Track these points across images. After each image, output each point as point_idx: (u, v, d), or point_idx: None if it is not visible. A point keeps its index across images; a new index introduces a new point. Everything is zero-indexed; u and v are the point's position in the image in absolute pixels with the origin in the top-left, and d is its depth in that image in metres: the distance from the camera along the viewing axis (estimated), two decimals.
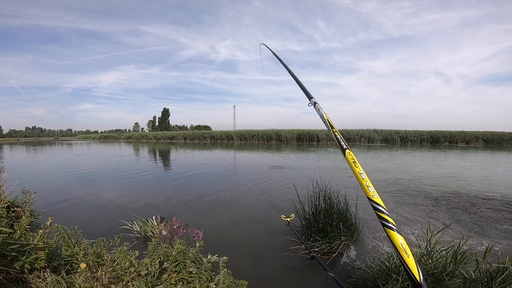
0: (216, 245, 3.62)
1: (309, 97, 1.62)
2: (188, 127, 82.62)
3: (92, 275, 1.45)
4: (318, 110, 1.48)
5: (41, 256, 1.54)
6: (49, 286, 1.33)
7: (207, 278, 1.85)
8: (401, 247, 0.87)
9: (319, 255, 3.43)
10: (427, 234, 2.69)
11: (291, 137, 34.72)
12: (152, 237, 3.85)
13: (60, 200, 6.06)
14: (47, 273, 1.40)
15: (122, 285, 1.42)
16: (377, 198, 1.01)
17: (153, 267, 1.63)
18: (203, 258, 2.00)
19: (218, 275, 1.85)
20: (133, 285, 1.43)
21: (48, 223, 1.83)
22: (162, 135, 46.89)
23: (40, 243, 1.62)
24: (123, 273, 1.55)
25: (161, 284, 1.58)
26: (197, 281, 1.80)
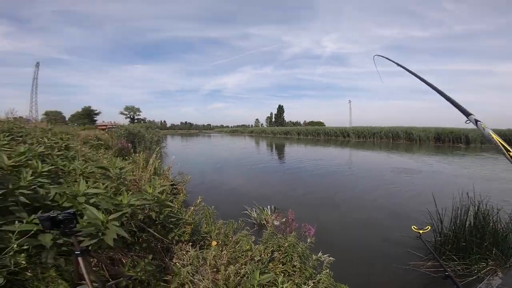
0: (322, 243, 3.58)
1: (467, 113, 1.34)
2: (301, 123, 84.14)
3: (218, 254, 1.76)
4: (483, 129, 1.21)
5: (187, 230, 2.01)
6: (190, 258, 1.71)
7: (307, 276, 1.87)
8: None
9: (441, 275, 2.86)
10: None
11: (426, 137, 28.44)
12: (265, 225, 4.24)
13: (197, 181, 7.58)
14: (188, 247, 1.81)
15: (238, 266, 1.65)
16: None
17: (265, 255, 1.81)
18: (312, 255, 2.03)
19: (319, 274, 1.84)
20: (246, 268, 1.64)
21: (198, 201, 2.35)
22: (278, 130, 49.96)
23: (190, 219, 2.12)
24: (240, 255, 1.81)
25: (268, 272, 1.72)
26: (297, 276, 1.86)
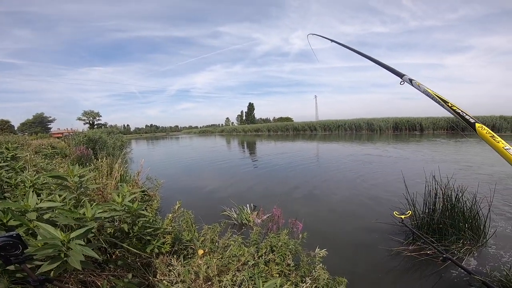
0: (308, 238, 3.57)
1: (400, 75, 1.38)
2: (271, 119, 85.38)
3: (208, 262, 1.58)
4: (418, 87, 1.23)
5: (167, 241, 1.79)
6: (177, 275, 1.50)
7: (303, 274, 1.79)
8: None
9: (427, 258, 3.02)
10: None
11: (386, 126, 30.71)
12: (247, 224, 4.11)
13: (169, 186, 7.15)
14: (173, 260, 1.60)
15: (232, 274, 1.49)
16: None
17: (261, 258, 1.68)
18: (311, 252, 1.95)
19: (315, 271, 1.77)
20: (241, 275, 1.49)
21: (176, 207, 2.11)
22: (249, 128, 50.01)
23: (169, 227, 1.89)
24: (230, 261, 1.65)
25: (266, 276, 1.60)
26: (293, 275, 1.76)
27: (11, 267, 1.15)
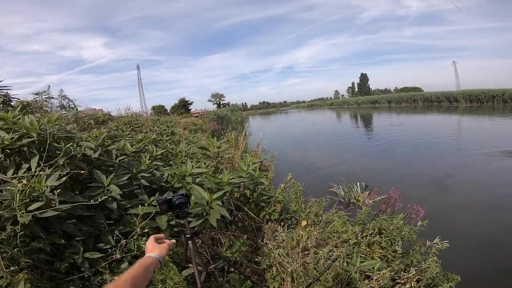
0: (428, 227, 3.12)
1: None
2: (392, 89, 73.29)
3: (309, 234, 1.74)
4: None
5: (277, 209, 2.05)
6: (281, 240, 1.70)
7: (409, 263, 1.67)
8: None
9: None
10: None
11: None
12: (355, 204, 4.00)
13: (280, 158, 7.53)
14: (279, 227, 1.82)
15: (328, 248, 1.58)
16: None
17: (364, 239, 1.70)
18: (427, 242, 1.78)
19: (423, 262, 1.61)
20: (338, 251, 1.56)
21: (288, 178, 2.39)
22: (364, 100, 45.23)
23: (280, 197, 2.18)
24: (330, 236, 1.74)
25: (365, 257, 1.61)
26: (397, 262, 1.67)
27: (172, 223, 1.49)
